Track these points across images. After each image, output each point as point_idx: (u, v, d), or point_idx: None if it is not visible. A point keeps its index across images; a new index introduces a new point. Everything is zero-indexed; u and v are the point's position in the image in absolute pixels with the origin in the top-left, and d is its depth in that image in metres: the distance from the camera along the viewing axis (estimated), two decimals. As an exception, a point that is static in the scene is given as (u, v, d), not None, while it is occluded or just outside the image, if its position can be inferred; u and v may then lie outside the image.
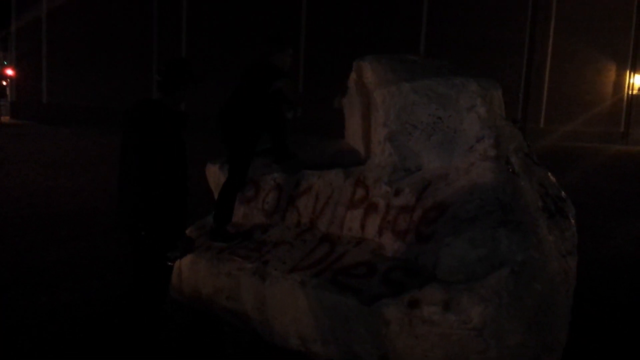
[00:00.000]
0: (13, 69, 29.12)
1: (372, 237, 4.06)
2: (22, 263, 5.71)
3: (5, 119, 27.36)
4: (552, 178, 4.08)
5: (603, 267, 6.36)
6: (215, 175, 4.99)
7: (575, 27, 25.49)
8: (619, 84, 27.92)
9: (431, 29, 24.05)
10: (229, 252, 4.41)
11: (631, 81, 27.87)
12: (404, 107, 4.01)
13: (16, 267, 5.56)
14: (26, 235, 6.75)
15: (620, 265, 6.60)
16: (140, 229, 3.33)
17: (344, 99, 4.96)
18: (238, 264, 4.25)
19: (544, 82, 26.70)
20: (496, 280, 3.19)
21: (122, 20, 26.04)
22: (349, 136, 5.01)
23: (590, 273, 5.62)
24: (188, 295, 4.59)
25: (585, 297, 4.61)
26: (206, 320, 4.41)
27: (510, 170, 3.74)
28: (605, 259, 6.75)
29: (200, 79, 3.52)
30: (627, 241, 7.87)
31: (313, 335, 3.74)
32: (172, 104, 3.44)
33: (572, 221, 3.85)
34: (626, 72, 27.80)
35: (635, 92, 27.85)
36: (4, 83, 36.70)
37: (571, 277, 3.63)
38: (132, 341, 3.55)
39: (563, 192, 4.00)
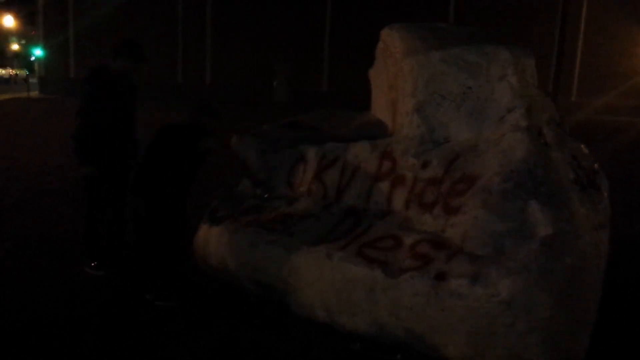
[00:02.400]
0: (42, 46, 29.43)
1: (399, 210, 4.01)
2: (53, 233, 5.82)
3: (34, 93, 27.80)
4: (585, 150, 3.96)
5: (636, 243, 6.21)
6: (241, 148, 4.98)
7: (609, -2, 24.66)
8: (655, 55, 27.00)
9: (461, -2, 23.57)
10: (255, 224, 4.41)
11: (668, 52, 26.93)
12: (433, 76, 3.92)
13: (48, 237, 5.67)
14: (57, 206, 6.87)
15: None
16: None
17: (371, 70, 4.88)
18: (264, 235, 4.25)
19: (576, 53, 25.98)
20: (526, 253, 3.13)
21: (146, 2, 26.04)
22: (375, 108, 4.94)
23: (622, 249, 5.49)
24: (215, 267, 4.62)
25: (616, 274, 4.51)
26: (233, 292, 4.44)
27: (542, 141, 3.64)
28: (638, 234, 6.60)
29: (135, 58, 4.54)
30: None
31: (339, 307, 3.74)
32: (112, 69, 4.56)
33: (605, 194, 3.75)
34: (662, 43, 26.86)
35: (670, 63, 26.92)
36: (32, 59, 37.20)
37: (603, 250, 3.54)
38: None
39: (596, 165, 3.89)
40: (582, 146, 3.97)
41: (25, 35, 39.08)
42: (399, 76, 4.23)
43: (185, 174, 4.27)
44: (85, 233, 4.84)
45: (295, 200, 4.52)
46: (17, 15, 39.09)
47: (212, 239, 4.58)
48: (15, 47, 38.35)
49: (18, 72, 40.64)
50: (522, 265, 3.09)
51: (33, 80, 30.55)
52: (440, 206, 3.71)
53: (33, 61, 37.79)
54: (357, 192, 4.27)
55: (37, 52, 29.38)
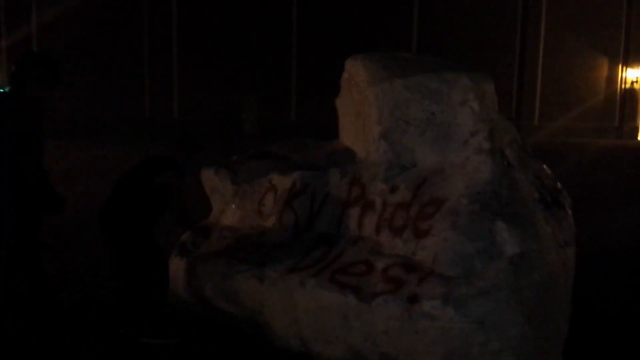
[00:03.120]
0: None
1: (370, 235, 4.05)
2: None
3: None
4: (548, 170, 4.09)
5: (601, 259, 6.37)
6: (210, 179, 4.98)
7: (566, 23, 25.63)
8: (612, 78, 28.03)
9: (423, 28, 24.17)
10: (227, 255, 4.40)
11: (624, 75, 27.99)
12: (397, 103, 4.01)
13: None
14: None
15: (617, 257, 6.62)
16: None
17: (337, 100, 4.96)
18: (236, 266, 4.24)
19: (537, 78, 26.79)
20: (495, 272, 3.20)
21: (112, 34, 25.98)
22: (343, 136, 5.01)
23: (588, 265, 5.62)
24: (187, 299, 4.57)
25: (584, 289, 4.61)
26: (206, 324, 4.38)
27: (506, 163, 3.75)
28: (603, 251, 6.77)
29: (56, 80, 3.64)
30: (623, 233, 7.89)
31: (313, 335, 3.73)
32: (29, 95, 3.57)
33: (569, 212, 3.86)
34: (618, 66, 27.93)
35: (628, 85, 27.98)
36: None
37: (570, 267, 3.63)
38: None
39: (559, 183, 4.02)
40: (544, 166, 4.09)
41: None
42: (364, 104, 4.32)
43: (147, 207, 4.20)
44: None
45: (267, 230, 4.52)
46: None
47: (182, 272, 4.55)
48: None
49: None
50: (492, 285, 3.15)
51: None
52: (410, 230, 3.76)
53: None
54: (328, 219, 4.30)
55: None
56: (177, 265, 4.66)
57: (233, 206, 4.81)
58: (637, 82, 27.97)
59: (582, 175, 13.25)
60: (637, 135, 28.40)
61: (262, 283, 4.03)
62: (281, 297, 3.91)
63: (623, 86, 27.85)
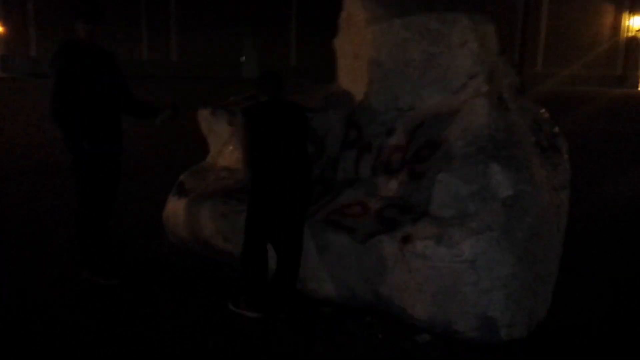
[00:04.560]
0: (1, 23, 28.49)
1: (366, 177, 4.07)
2: (20, 212, 5.74)
3: (-4, 73, 26.98)
4: (546, 114, 4.06)
5: (597, 206, 6.43)
6: (207, 120, 4.96)
7: (573, -33, 24.94)
8: (617, 26, 27.50)
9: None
10: (223, 195, 4.43)
11: (628, 23, 27.46)
12: (396, 44, 3.95)
13: (14, 216, 5.59)
14: (22, 186, 6.76)
15: (613, 205, 6.68)
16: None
17: (335, 40, 4.88)
18: (233, 206, 4.28)
19: (541, 25, 26.28)
20: (488, 214, 3.23)
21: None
22: (341, 78, 4.95)
23: (584, 212, 5.68)
24: (186, 238, 4.64)
25: (578, 236, 4.68)
26: (204, 262, 4.47)
27: (503, 106, 3.73)
28: (600, 198, 6.83)
29: (89, 17, 3.89)
30: (622, 183, 7.93)
31: (309, 274, 3.80)
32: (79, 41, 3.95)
33: (566, 156, 3.87)
34: (624, 14, 27.34)
35: (632, 34, 27.48)
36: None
37: (563, 211, 3.67)
38: None
39: (556, 128, 4.00)
40: (542, 110, 4.07)
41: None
42: (362, 45, 4.25)
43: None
44: (80, 236, 4.15)
45: (264, 171, 4.54)
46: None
47: (180, 211, 4.59)
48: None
49: None
50: (485, 226, 3.19)
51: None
52: (405, 172, 3.78)
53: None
54: (325, 161, 4.31)
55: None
56: (174, 205, 4.71)
57: (230, 147, 4.81)
58: (641, 30, 27.45)
59: (584, 124, 13.21)
60: (638, 85, 28.12)
61: (258, 223, 4.07)
62: (277, 237, 3.96)
63: (627, 34, 27.37)
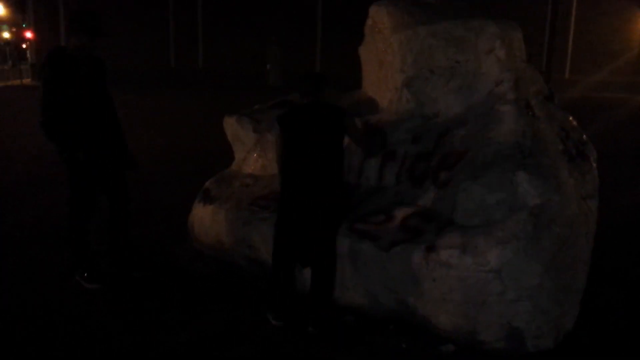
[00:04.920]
0: (32, 31, 29.16)
1: (390, 185, 4.05)
2: (46, 219, 5.84)
3: (27, 81, 27.57)
4: (574, 122, 4.00)
5: (627, 215, 6.29)
6: (233, 127, 5.01)
7: (602, -27, 24.57)
8: (647, 31, 26.96)
9: (452, -23, 23.37)
10: (248, 202, 4.46)
11: (660, 28, 26.90)
12: (421, 51, 3.94)
13: (40, 224, 5.69)
14: (52, 193, 6.89)
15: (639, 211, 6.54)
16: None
17: (361, 48, 4.88)
18: (258, 213, 4.30)
19: (569, 31, 25.91)
20: (514, 223, 3.18)
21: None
22: (366, 85, 4.96)
23: (613, 221, 5.56)
24: (210, 245, 4.68)
25: (607, 243, 4.58)
26: (229, 270, 4.49)
27: (530, 113, 3.68)
28: (629, 207, 6.68)
29: (95, 31, 3.96)
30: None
31: (332, 281, 3.79)
32: (71, 50, 3.97)
33: (594, 164, 3.80)
34: (655, 19, 26.81)
35: (664, 39, 26.91)
36: (24, 46, 36.74)
37: (592, 220, 3.60)
38: None
39: (585, 136, 3.93)
40: (571, 118, 4.00)
41: (16, 23, 38.56)
42: (387, 52, 4.25)
43: None
44: (70, 237, 4.23)
45: (288, 178, 4.55)
46: (7, 4, 38.73)
47: (206, 218, 4.63)
48: (6, 35, 37.85)
49: None
50: (511, 235, 3.15)
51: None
52: (430, 180, 3.75)
53: (24, 49, 37.32)
54: (348, 168, 4.30)
55: (28, 35, 29.07)
56: (200, 212, 4.75)
57: (255, 154, 4.85)
58: (674, 35, 26.87)
59: (612, 131, 12.95)
60: (671, 91, 27.46)
61: (282, 230, 4.08)
62: (301, 244, 3.96)
63: (659, 40, 26.79)
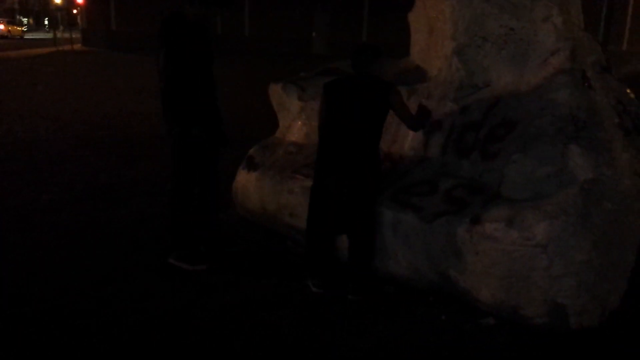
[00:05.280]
0: (82, -3, 29.65)
1: (436, 156, 3.99)
2: (99, 180, 6.03)
3: (77, 46, 28.22)
4: (632, 95, 3.82)
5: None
6: (278, 95, 5.00)
7: (668, -62, 23.20)
8: None
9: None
10: (291, 170, 4.48)
11: None
12: (474, 17, 3.81)
13: (93, 184, 5.88)
14: (102, 155, 7.09)
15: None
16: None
17: (410, 14, 4.76)
18: (300, 181, 4.32)
19: (628, 1, 24.66)
20: (564, 197, 3.09)
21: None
22: (415, 53, 4.85)
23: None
24: (254, 212, 4.73)
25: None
26: (271, 236, 4.55)
27: (586, 85, 3.53)
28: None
29: (222, 3, 3.80)
30: None
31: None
32: (193, 17, 3.74)
33: (652, 139, 3.63)
34: None
35: None
36: (75, 11, 37.50)
37: (646, 196, 3.46)
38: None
39: (643, 109, 3.76)
40: (628, 90, 3.83)
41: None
42: (438, 18, 4.13)
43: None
44: (174, 219, 3.99)
45: (332, 146, 4.54)
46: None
47: (250, 185, 4.68)
48: (57, 0, 38.65)
49: (10, 29, 40.03)
50: (560, 209, 3.06)
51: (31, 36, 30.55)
52: (478, 151, 3.67)
53: (75, 15, 38.08)
54: (393, 138, 4.25)
55: (79, 1, 29.59)
56: (244, 178, 4.80)
57: (299, 122, 4.84)
58: None
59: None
60: None
61: (325, 198, 4.09)
62: (344, 213, 3.96)
63: None
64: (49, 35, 34.27)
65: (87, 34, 29.80)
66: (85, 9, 29.94)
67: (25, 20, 58.04)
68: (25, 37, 40.28)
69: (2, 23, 40.42)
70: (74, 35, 28.90)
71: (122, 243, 4.38)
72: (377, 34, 24.00)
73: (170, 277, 3.85)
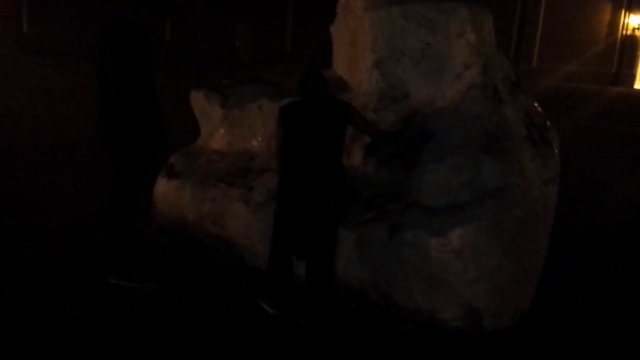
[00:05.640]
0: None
1: (357, 165, 4.06)
2: (10, 189, 5.69)
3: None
4: (538, 108, 4.07)
5: (585, 201, 6.48)
6: (200, 102, 4.93)
7: (572, -36, 24.92)
8: (614, 23, 27.54)
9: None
10: (213, 178, 4.42)
11: (626, 21, 27.51)
12: (393, 32, 3.93)
13: (4, 193, 5.54)
14: (12, 163, 6.69)
15: (605, 200, 6.74)
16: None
17: (332, 26, 4.84)
18: (223, 190, 4.27)
19: (538, 20, 26.26)
20: (477, 205, 3.24)
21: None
22: (337, 65, 4.92)
23: (571, 207, 5.72)
24: (174, 221, 4.63)
25: (567, 230, 4.71)
26: (192, 246, 4.46)
27: (497, 98, 3.72)
28: (589, 193, 6.88)
29: (166, 10, 3.63)
30: (611, 178, 8.00)
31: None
32: (138, 24, 3.56)
33: (556, 150, 3.87)
34: (621, 11, 27.37)
35: (629, 32, 27.56)
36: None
37: (551, 204, 3.68)
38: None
39: (548, 122, 4.01)
40: (535, 104, 4.07)
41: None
42: (359, 32, 4.23)
43: None
44: (119, 239, 3.76)
45: (255, 155, 4.53)
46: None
47: (170, 193, 4.58)
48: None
49: None
50: (473, 216, 3.20)
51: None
52: (397, 161, 3.77)
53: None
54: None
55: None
56: (164, 187, 4.69)
57: (222, 130, 4.79)
58: (638, 28, 27.56)
59: (577, 121, 13.26)
60: (634, 83, 28.23)
61: (248, 207, 4.08)
62: (268, 221, 3.95)
63: (624, 32, 27.43)
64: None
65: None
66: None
67: None
68: None
69: None
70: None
71: (39, 256, 4.15)
72: (300, 44, 24.22)
73: (83, 291, 3.68)
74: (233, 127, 4.74)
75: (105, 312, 3.44)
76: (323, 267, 3.53)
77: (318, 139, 3.54)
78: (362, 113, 3.79)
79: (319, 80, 3.59)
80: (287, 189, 3.61)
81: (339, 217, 3.58)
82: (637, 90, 26.95)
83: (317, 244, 3.53)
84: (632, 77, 28.45)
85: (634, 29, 27.57)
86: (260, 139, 4.61)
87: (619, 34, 27.59)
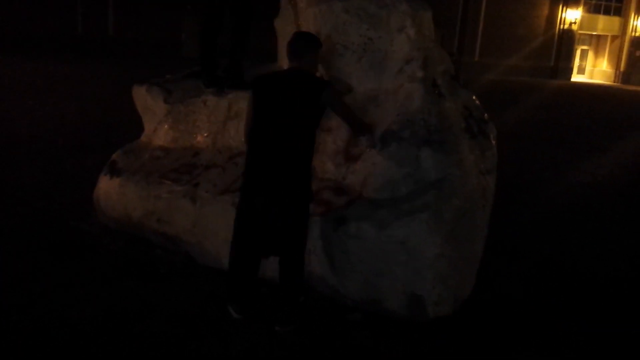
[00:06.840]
0: None
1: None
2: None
3: None
4: (477, 101, 4.19)
5: (525, 190, 6.73)
6: (142, 97, 4.84)
7: (511, -40, 25.64)
8: (552, 18, 28.58)
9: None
10: (158, 175, 4.36)
11: (563, 16, 28.61)
12: (336, 26, 3.96)
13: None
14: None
15: (540, 188, 7.01)
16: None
17: (276, 20, 4.84)
18: (168, 186, 4.22)
19: (480, 15, 26.94)
20: (418, 196, 3.34)
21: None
22: (282, 58, 4.93)
23: (511, 195, 5.94)
24: (117, 219, 4.54)
25: (505, 219, 4.89)
26: (137, 244, 4.39)
27: (437, 92, 3.82)
28: (529, 182, 7.15)
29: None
30: (546, 167, 8.33)
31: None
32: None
33: (493, 142, 4.01)
34: (559, 7, 28.42)
35: (566, 26, 28.67)
36: None
37: (489, 193, 3.82)
38: None
39: (486, 115, 4.14)
40: (474, 97, 4.19)
41: None
42: (303, 26, 4.24)
43: None
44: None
45: (200, 151, 4.49)
46: None
47: (113, 191, 4.49)
48: None
49: None
50: (415, 208, 3.30)
51: None
52: (341, 154, 3.82)
53: None
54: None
55: None
56: (106, 185, 4.60)
57: (166, 126, 4.73)
58: (575, 23, 28.69)
59: (516, 113, 13.71)
60: (570, 76, 29.39)
61: (194, 204, 4.05)
62: (214, 218, 3.95)
63: (562, 27, 28.51)
64: None
65: None
66: None
67: None
68: None
69: None
70: None
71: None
72: (250, 38, 23.99)
73: (27, 293, 3.58)
74: (177, 123, 4.69)
75: (44, 314, 3.35)
76: (298, 269, 3.35)
77: (289, 121, 3.13)
78: (341, 97, 3.44)
79: (308, 42, 3.28)
80: (252, 181, 3.25)
81: (307, 215, 3.31)
82: (574, 82, 28.09)
83: (290, 244, 3.30)
84: (569, 70, 29.66)
85: (570, 24, 28.70)
86: (205, 134, 4.58)
87: (557, 29, 28.66)
